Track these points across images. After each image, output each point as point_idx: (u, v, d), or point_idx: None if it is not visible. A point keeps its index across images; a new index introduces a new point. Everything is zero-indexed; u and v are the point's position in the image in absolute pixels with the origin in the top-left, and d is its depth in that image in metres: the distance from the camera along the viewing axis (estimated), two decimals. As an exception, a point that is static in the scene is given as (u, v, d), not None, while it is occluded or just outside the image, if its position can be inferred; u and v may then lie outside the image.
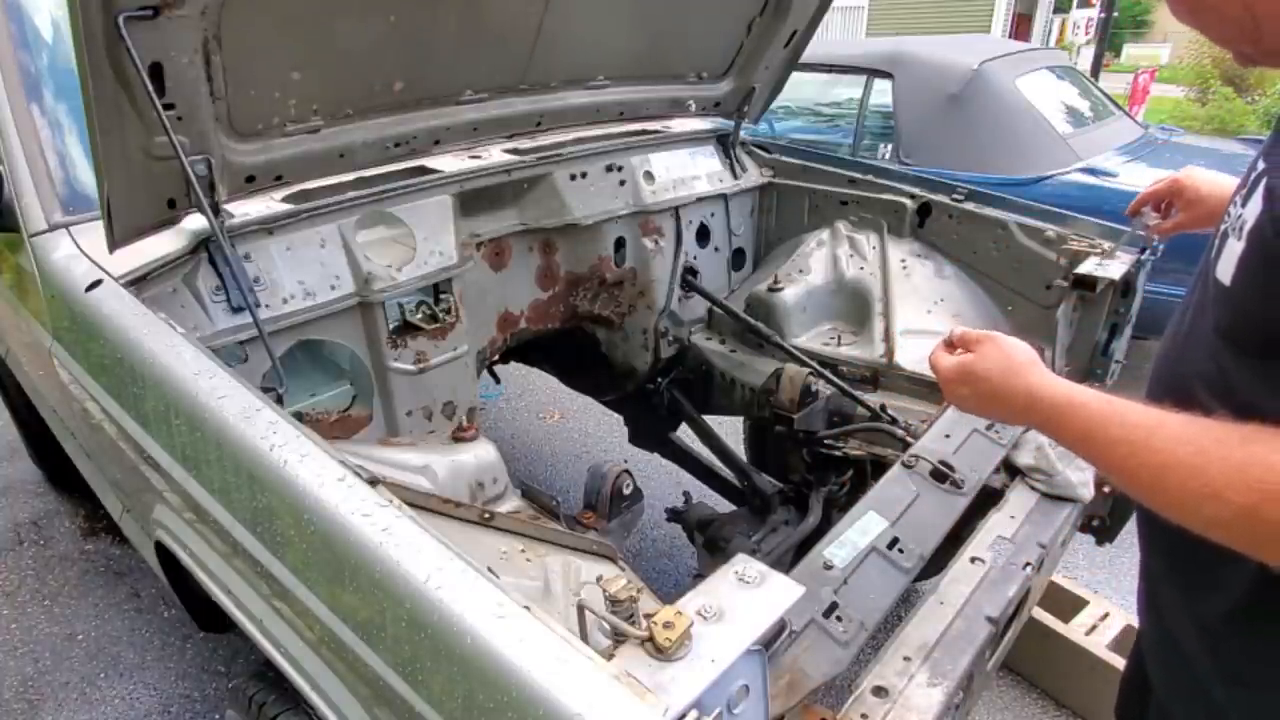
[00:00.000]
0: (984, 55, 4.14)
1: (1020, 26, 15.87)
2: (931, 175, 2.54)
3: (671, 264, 2.37)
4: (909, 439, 1.79)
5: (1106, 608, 2.35)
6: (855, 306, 2.24)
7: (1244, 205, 0.75)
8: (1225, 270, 0.76)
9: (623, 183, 2.22)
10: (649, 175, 2.28)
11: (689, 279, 2.40)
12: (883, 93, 4.33)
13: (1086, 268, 1.91)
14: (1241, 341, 0.77)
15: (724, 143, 2.53)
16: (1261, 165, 0.75)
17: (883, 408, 1.92)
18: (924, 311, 2.14)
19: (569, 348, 2.51)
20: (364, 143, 1.69)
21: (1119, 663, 2.05)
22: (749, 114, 2.47)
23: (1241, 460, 0.68)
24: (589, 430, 3.76)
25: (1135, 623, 1.62)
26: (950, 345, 1.08)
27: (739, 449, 2.55)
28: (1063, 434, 0.88)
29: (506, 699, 0.73)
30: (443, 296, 1.86)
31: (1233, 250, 0.75)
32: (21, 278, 1.75)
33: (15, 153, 1.66)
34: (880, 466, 1.86)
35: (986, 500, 1.57)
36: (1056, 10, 15.78)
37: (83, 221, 1.57)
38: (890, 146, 4.27)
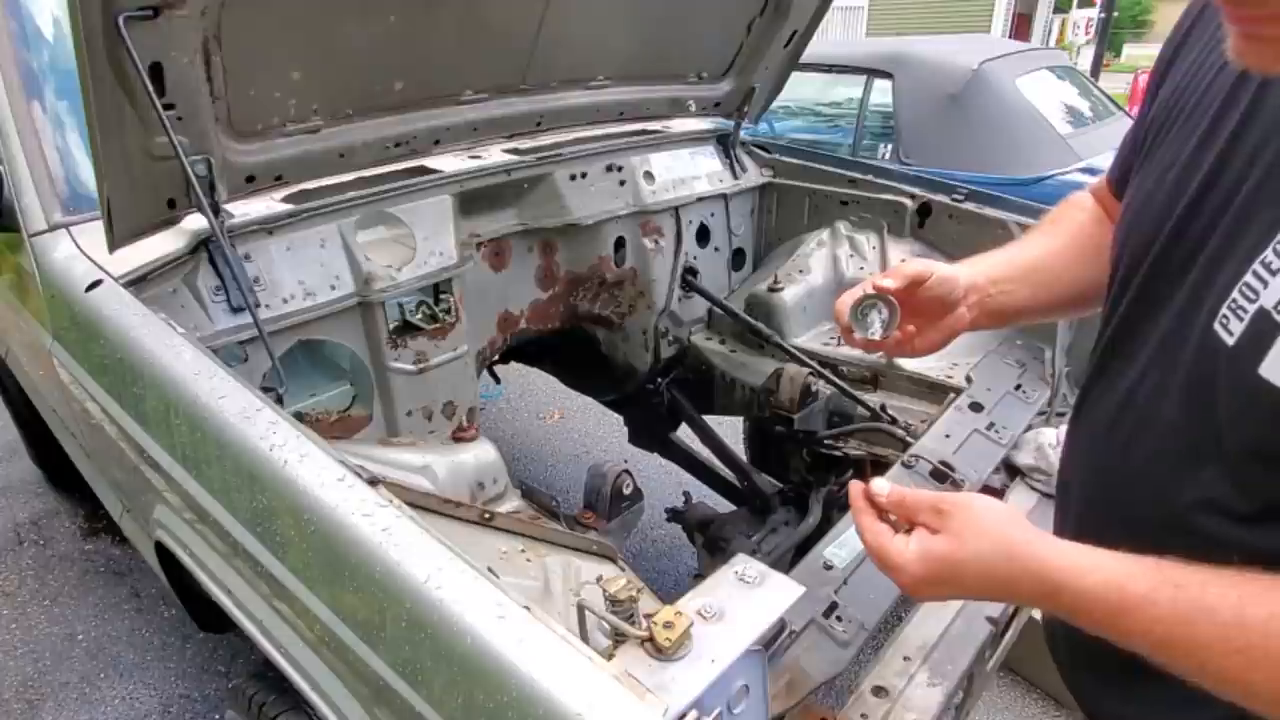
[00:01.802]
0: (984, 55, 4.14)
1: (1020, 26, 15.87)
2: (931, 175, 2.54)
3: (671, 264, 2.37)
4: (909, 439, 1.79)
5: (1106, 608, 2.35)
6: (855, 306, 2.24)
7: None
8: None
9: (623, 183, 2.22)
10: (649, 175, 2.28)
11: (689, 279, 2.40)
12: (883, 93, 4.33)
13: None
14: None
15: (724, 143, 2.53)
16: None
17: (883, 408, 1.92)
18: (924, 311, 2.14)
19: (569, 348, 2.51)
20: (364, 143, 1.69)
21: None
22: (749, 114, 2.47)
23: None
24: (589, 430, 3.76)
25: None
26: (881, 513, 0.81)
27: (739, 449, 2.55)
28: (1106, 629, 0.68)
29: (506, 699, 0.73)
30: (443, 296, 1.86)
31: None
32: (21, 278, 1.75)
33: (15, 153, 1.66)
34: (880, 466, 1.86)
35: (986, 500, 1.57)
36: (1056, 10, 15.78)
37: (83, 221, 1.57)
38: (890, 146, 4.27)
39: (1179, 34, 0.84)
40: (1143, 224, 0.78)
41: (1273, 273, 0.61)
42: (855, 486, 0.83)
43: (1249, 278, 0.63)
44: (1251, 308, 0.62)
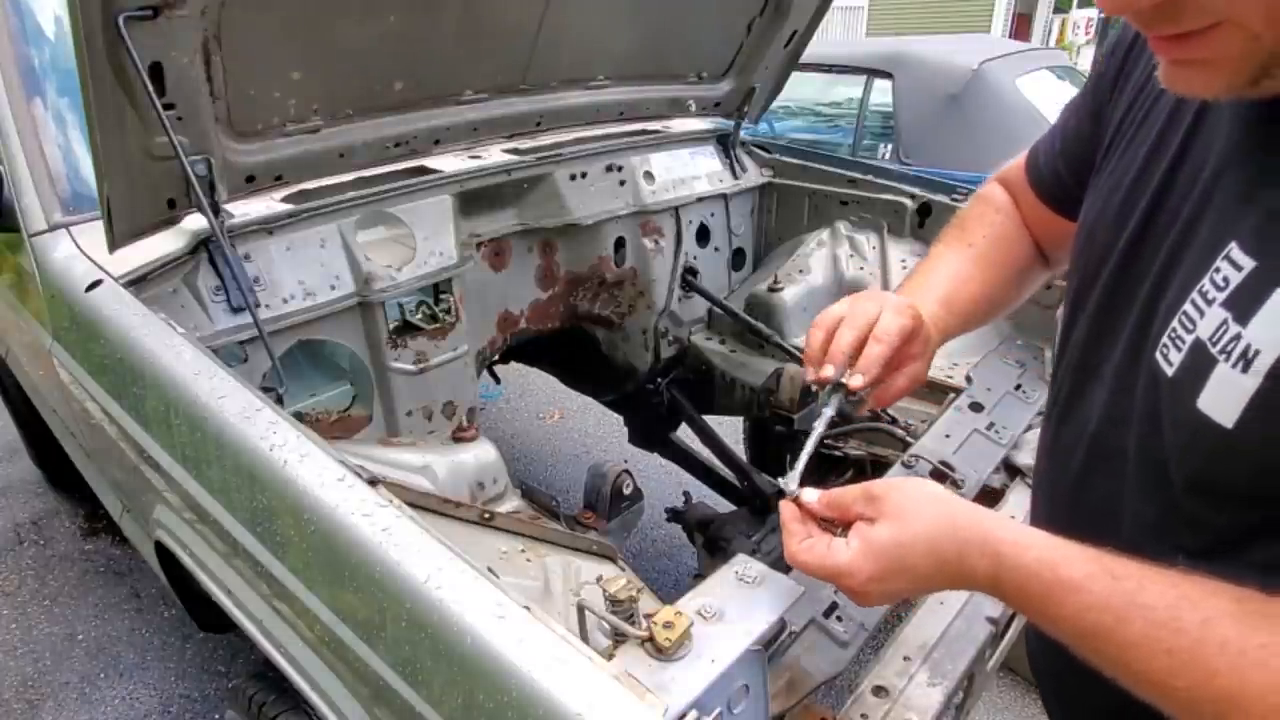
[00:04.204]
0: (984, 55, 4.14)
1: (1020, 26, 15.86)
2: (931, 175, 2.54)
3: (671, 264, 2.37)
4: (909, 439, 1.79)
5: (1106, 608, 2.35)
6: (855, 306, 2.24)
7: (1242, 322, 0.56)
8: (1219, 407, 0.57)
9: (623, 183, 2.22)
10: (649, 175, 2.28)
11: (689, 279, 2.40)
12: (883, 93, 4.33)
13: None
14: (1236, 493, 0.60)
15: (724, 143, 2.53)
16: (1250, 262, 0.57)
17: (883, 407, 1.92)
18: (924, 311, 2.14)
19: (569, 348, 2.51)
20: (364, 143, 1.69)
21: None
22: (749, 114, 2.47)
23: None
24: (589, 430, 3.76)
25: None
26: (807, 517, 0.77)
27: (739, 449, 2.55)
28: (1035, 611, 0.65)
29: (506, 699, 0.73)
30: (443, 296, 1.86)
31: (1234, 384, 0.56)
32: (21, 278, 1.75)
33: (15, 152, 1.66)
34: (880, 466, 1.86)
35: (986, 500, 1.57)
36: (1056, 10, 15.77)
37: (83, 221, 1.57)
38: (890, 146, 4.27)
39: (1122, 50, 0.81)
40: (1094, 249, 0.77)
41: (1209, 302, 0.59)
42: (785, 505, 0.79)
43: (1187, 306, 0.61)
44: (1189, 338, 0.61)
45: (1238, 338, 0.56)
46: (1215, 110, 0.66)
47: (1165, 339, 0.63)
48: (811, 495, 0.78)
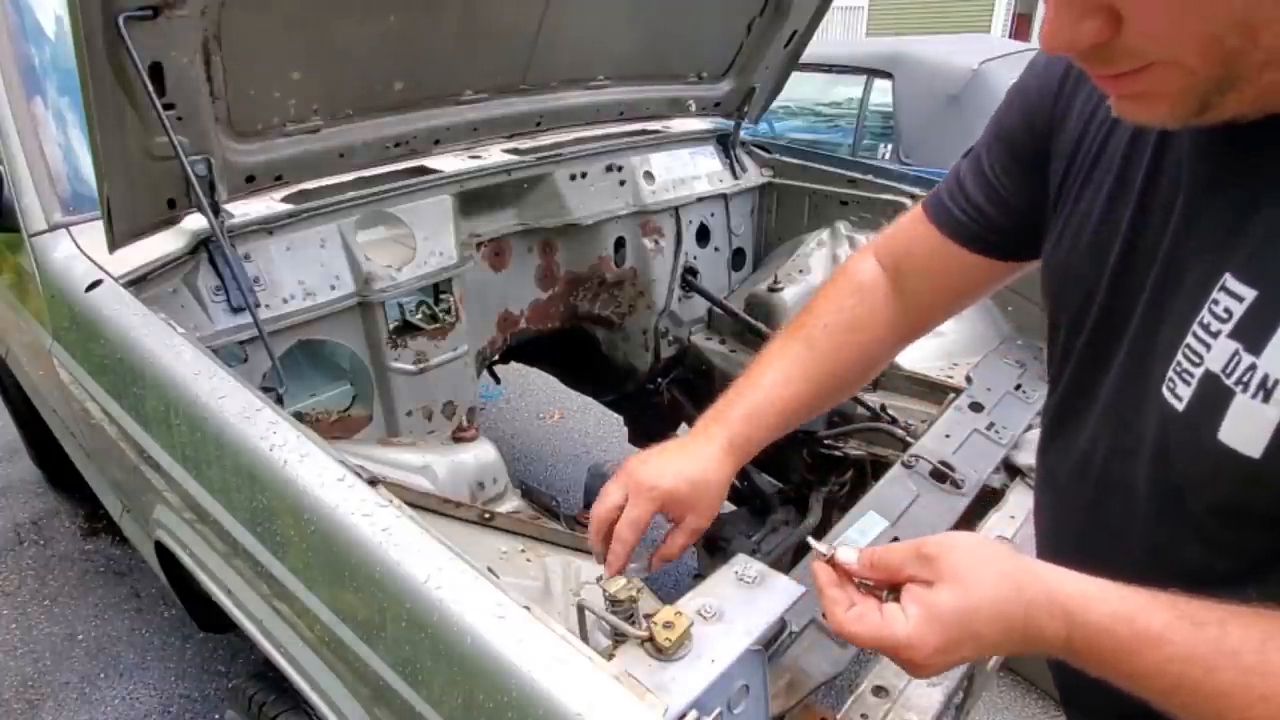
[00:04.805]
0: (984, 55, 4.14)
1: (1020, 26, 15.86)
2: (931, 175, 2.54)
3: (671, 264, 2.37)
4: (909, 439, 1.79)
5: (1106, 608, 2.34)
6: (855, 306, 2.24)
7: (1255, 352, 0.56)
8: (1243, 438, 0.57)
9: (623, 183, 2.22)
10: (649, 175, 2.28)
11: (689, 279, 2.40)
12: (883, 93, 4.33)
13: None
14: (1269, 517, 0.59)
15: (724, 143, 2.53)
16: (1250, 292, 0.57)
17: (883, 408, 1.92)
18: (924, 311, 2.14)
19: (569, 348, 2.51)
20: (364, 143, 1.69)
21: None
22: (749, 114, 2.47)
23: None
24: (589, 430, 3.76)
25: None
26: (841, 579, 0.71)
27: (739, 449, 2.55)
28: (1111, 668, 0.61)
29: (506, 699, 0.73)
30: (443, 296, 1.86)
31: (1256, 414, 0.56)
32: (21, 278, 1.75)
33: (15, 152, 1.66)
34: (880, 466, 1.85)
35: (987, 500, 1.57)
36: None
37: (83, 221, 1.57)
38: (890, 146, 4.27)
39: (1054, 83, 0.80)
40: (1073, 287, 0.77)
41: (1213, 334, 0.59)
42: (818, 568, 0.73)
43: (1190, 340, 0.61)
44: (1197, 371, 0.60)
45: (1253, 368, 0.56)
46: (1176, 137, 0.65)
47: (1171, 374, 0.63)
48: (849, 555, 0.71)
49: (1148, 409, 0.66)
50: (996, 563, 0.64)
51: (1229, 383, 0.57)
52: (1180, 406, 0.62)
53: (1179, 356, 0.62)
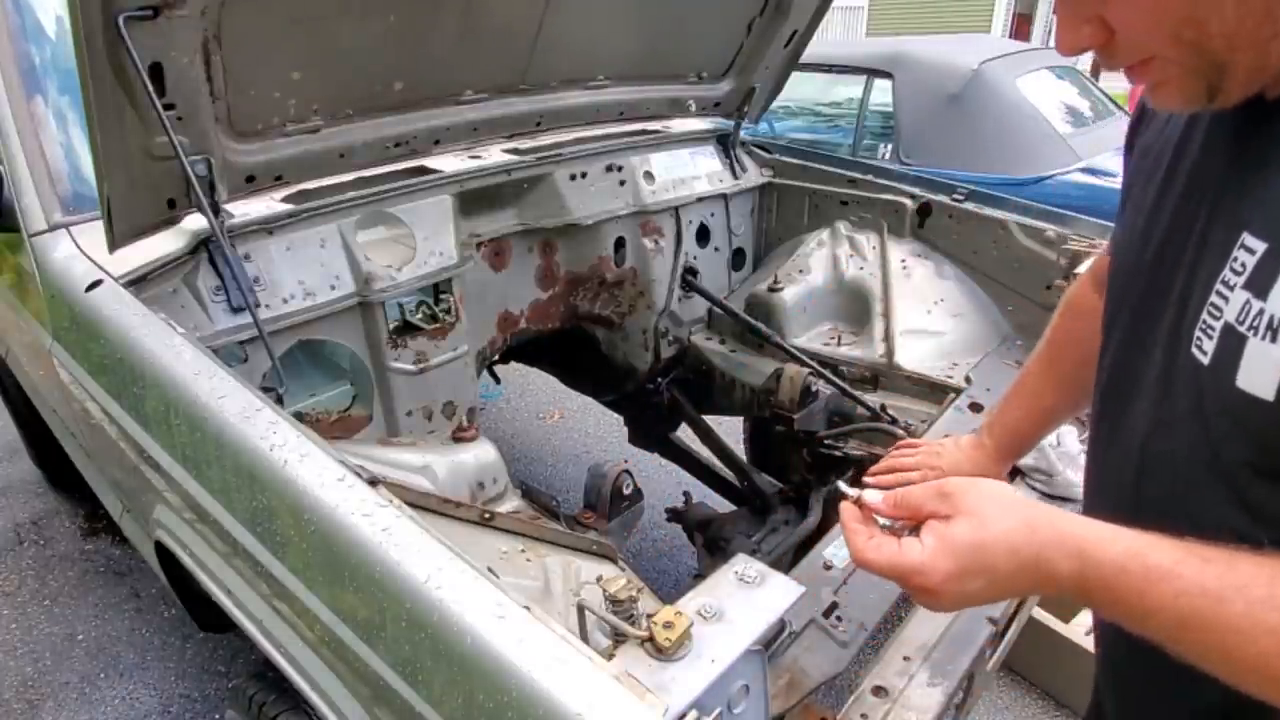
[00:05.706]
0: (984, 55, 4.14)
1: (1020, 26, 15.87)
2: (931, 175, 2.54)
3: (671, 264, 2.37)
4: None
5: (1106, 608, 2.35)
6: (855, 307, 2.24)
7: (1263, 297, 0.59)
8: (1258, 383, 0.59)
9: (623, 183, 2.22)
10: (649, 175, 2.28)
11: (689, 279, 2.40)
12: (883, 93, 4.33)
13: (1087, 267, 1.91)
14: None
15: (724, 143, 2.53)
16: (1261, 244, 0.60)
17: (883, 408, 1.92)
18: (924, 312, 2.14)
19: (569, 348, 2.51)
20: (364, 143, 1.69)
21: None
22: (749, 114, 2.47)
23: None
24: (589, 430, 3.76)
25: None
26: (866, 518, 0.74)
27: (739, 449, 2.55)
28: (1125, 608, 0.62)
29: (506, 699, 0.73)
30: (443, 296, 1.86)
31: (1266, 355, 0.58)
32: (21, 278, 1.75)
33: (15, 152, 1.66)
34: (880, 467, 1.85)
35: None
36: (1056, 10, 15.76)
37: (83, 221, 1.57)
38: (890, 146, 4.27)
39: (1139, 109, 0.90)
40: (1123, 272, 0.83)
41: (1230, 288, 0.62)
42: (845, 507, 0.76)
43: (1213, 297, 0.64)
44: (1218, 324, 0.63)
45: (1261, 312, 0.59)
46: (1218, 125, 0.71)
47: (1198, 332, 0.66)
48: (874, 496, 0.74)
49: (1182, 371, 0.69)
50: (1013, 503, 0.67)
51: (1242, 330, 0.60)
52: (1206, 361, 0.65)
53: (1204, 315, 0.65)
